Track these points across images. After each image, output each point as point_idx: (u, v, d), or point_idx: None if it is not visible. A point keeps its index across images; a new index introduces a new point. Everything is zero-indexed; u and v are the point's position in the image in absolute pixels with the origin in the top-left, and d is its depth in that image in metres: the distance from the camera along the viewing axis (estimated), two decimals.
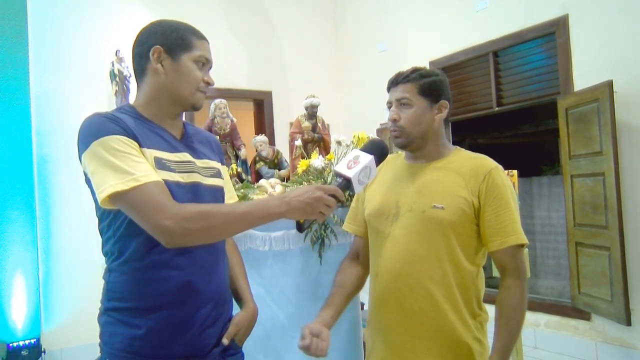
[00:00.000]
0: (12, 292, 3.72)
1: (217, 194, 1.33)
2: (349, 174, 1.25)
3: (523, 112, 4.71)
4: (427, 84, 1.44)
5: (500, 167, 1.44)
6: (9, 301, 3.70)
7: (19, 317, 3.73)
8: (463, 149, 1.52)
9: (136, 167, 1.12)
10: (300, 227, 1.25)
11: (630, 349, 3.29)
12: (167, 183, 1.17)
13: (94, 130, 1.15)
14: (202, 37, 1.29)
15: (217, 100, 2.53)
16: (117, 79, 4.16)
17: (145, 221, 1.11)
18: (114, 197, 1.11)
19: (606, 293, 3.31)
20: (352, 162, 1.27)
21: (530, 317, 3.91)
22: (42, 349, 3.77)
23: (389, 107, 1.49)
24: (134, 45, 1.28)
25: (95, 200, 1.17)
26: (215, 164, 1.37)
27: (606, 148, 3.24)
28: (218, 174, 1.35)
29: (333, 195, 1.19)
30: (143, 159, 1.16)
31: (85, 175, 1.19)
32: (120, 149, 1.13)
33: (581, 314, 3.61)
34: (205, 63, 1.28)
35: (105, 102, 4.24)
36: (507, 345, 1.35)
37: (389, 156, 1.60)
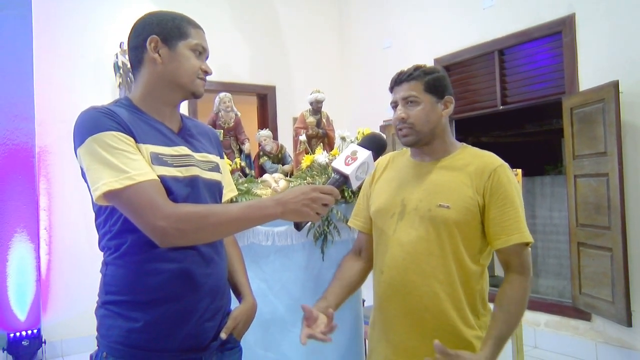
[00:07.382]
0: (13, 283, 3.73)
1: (214, 189, 1.32)
2: (347, 170, 1.23)
3: (527, 111, 4.69)
4: (432, 81, 1.43)
5: (506, 164, 1.43)
6: (10, 291, 3.72)
7: (20, 307, 3.74)
8: (470, 146, 1.51)
9: (131, 165, 1.11)
10: (297, 227, 1.24)
11: (631, 350, 3.29)
12: (164, 178, 1.16)
13: (89, 125, 1.13)
14: (197, 26, 1.28)
15: (222, 94, 2.51)
16: (121, 71, 4.16)
17: (139, 220, 1.10)
18: (108, 195, 1.10)
19: (607, 294, 3.30)
20: (349, 158, 1.26)
21: (530, 316, 3.91)
22: (43, 340, 3.79)
23: (394, 107, 1.48)
24: (129, 38, 1.27)
25: (92, 196, 1.16)
26: (214, 158, 1.35)
27: (610, 149, 3.23)
28: (216, 168, 1.34)
29: (330, 194, 1.17)
30: (139, 155, 1.14)
31: (82, 169, 1.18)
32: (115, 145, 1.11)
33: (582, 314, 3.61)
34: (202, 52, 1.27)
35: (109, 93, 4.24)
36: (503, 336, 1.32)
37: (394, 153, 1.60)
